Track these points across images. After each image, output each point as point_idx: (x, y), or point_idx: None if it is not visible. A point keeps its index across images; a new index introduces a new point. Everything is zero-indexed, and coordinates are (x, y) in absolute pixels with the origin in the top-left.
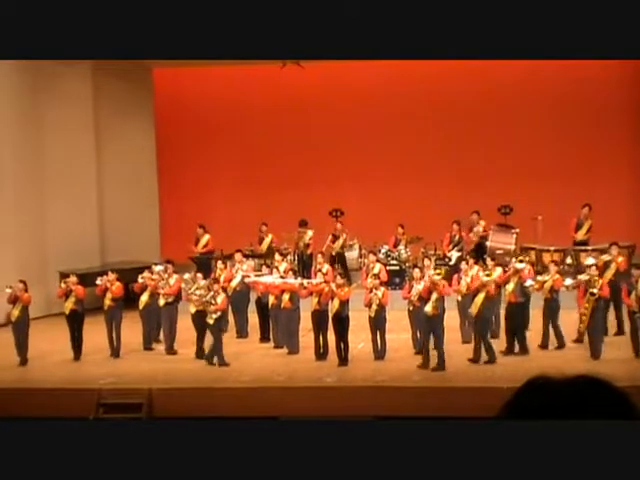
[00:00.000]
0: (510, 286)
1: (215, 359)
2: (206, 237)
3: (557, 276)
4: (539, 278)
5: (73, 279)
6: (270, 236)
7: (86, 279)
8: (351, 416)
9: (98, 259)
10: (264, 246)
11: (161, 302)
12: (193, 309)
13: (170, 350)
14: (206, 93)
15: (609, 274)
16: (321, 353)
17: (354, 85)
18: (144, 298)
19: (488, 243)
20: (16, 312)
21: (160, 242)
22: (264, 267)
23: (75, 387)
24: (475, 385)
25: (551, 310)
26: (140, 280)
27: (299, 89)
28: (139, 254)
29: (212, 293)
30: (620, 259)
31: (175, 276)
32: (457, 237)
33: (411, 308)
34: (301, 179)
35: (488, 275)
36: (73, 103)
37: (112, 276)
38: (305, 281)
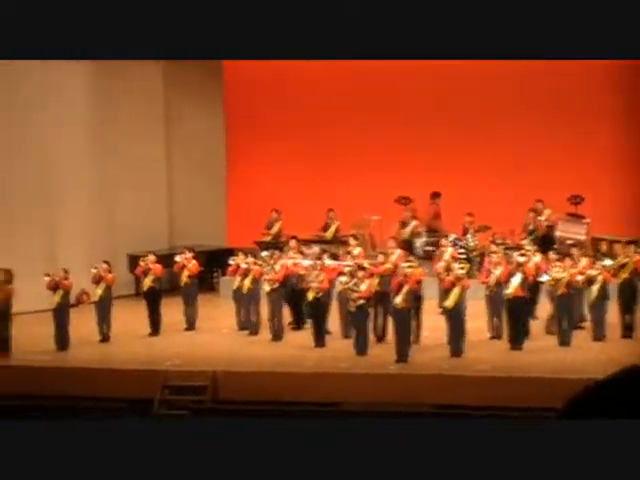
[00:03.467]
0: (516, 280)
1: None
2: (279, 222)
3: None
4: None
5: (152, 258)
6: (337, 223)
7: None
8: (412, 405)
9: (166, 243)
10: (330, 233)
11: (267, 288)
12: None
13: (277, 337)
14: (276, 79)
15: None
16: (380, 336)
17: (426, 77)
18: (247, 282)
19: (557, 233)
20: (99, 291)
21: (226, 226)
22: (326, 255)
23: (142, 368)
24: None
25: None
26: (232, 263)
27: (369, 78)
28: (206, 238)
29: (355, 280)
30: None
31: (281, 262)
32: (531, 225)
33: (488, 293)
34: (368, 166)
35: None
36: (144, 90)
37: (189, 254)
38: (366, 262)
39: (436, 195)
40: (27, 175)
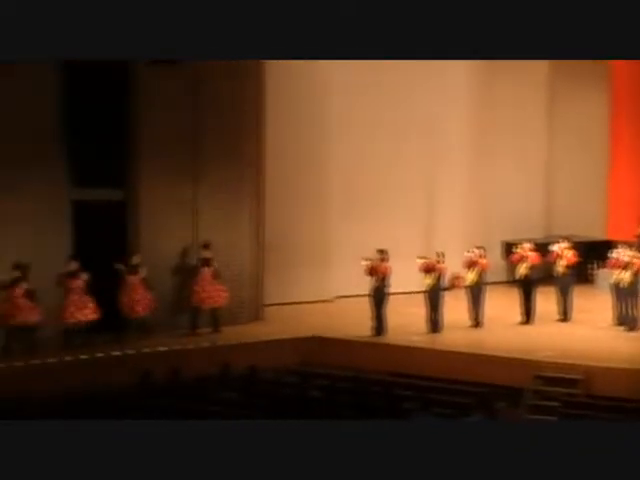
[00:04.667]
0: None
1: None
2: None
3: None
4: None
5: (527, 245)
6: None
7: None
8: None
9: (542, 231)
10: None
11: None
12: None
13: None
14: None
15: None
16: None
17: None
18: (626, 276)
19: None
20: (472, 276)
21: (607, 218)
22: None
23: (513, 356)
24: None
25: None
26: (612, 256)
27: None
28: (584, 229)
29: None
30: None
31: None
32: None
33: None
34: None
35: None
36: (527, 74)
37: (565, 244)
38: None
39: None
40: (410, 158)
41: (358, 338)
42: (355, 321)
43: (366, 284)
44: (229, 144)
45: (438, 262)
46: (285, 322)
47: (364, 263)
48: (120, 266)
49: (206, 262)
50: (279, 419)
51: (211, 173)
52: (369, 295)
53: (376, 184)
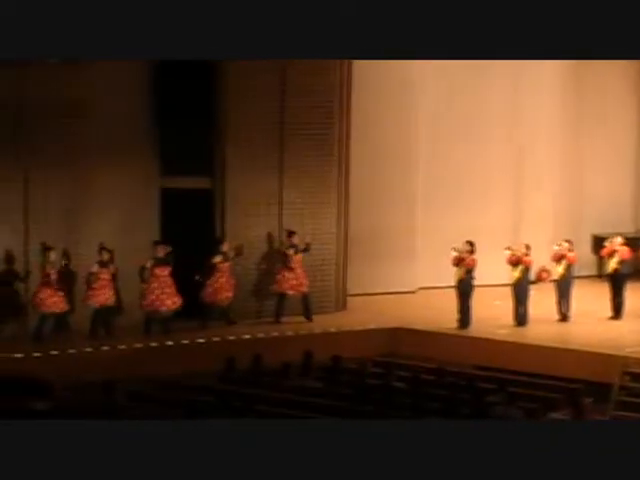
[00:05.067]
0: None
1: None
2: None
3: None
4: None
5: (618, 240)
6: None
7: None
8: None
9: (632, 225)
10: None
11: None
12: None
13: None
14: None
15: None
16: None
17: None
18: None
19: None
20: (560, 270)
21: None
22: None
23: (601, 352)
24: None
25: None
26: None
27: None
28: None
29: None
30: None
31: None
32: None
33: None
34: None
35: None
36: (616, 67)
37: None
38: None
39: None
40: (498, 149)
41: (442, 330)
42: (439, 313)
43: (449, 276)
44: (314, 135)
45: (526, 255)
46: (369, 313)
47: (453, 254)
48: (217, 258)
49: (294, 249)
50: (362, 409)
51: (297, 163)
52: (455, 287)
53: (462, 175)
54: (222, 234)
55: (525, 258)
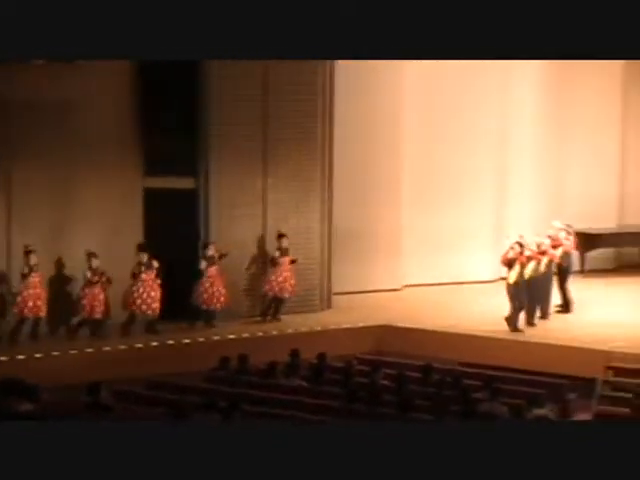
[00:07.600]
0: None
1: None
2: None
3: None
4: None
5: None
6: None
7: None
8: None
9: (614, 221)
10: None
11: None
12: None
13: None
14: None
15: None
16: None
17: None
18: None
19: None
20: (541, 267)
21: None
22: None
23: (585, 347)
24: None
25: None
26: None
27: None
28: None
29: None
30: None
31: None
32: None
33: None
34: None
35: None
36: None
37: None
38: None
39: None
40: (482, 147)
41: (428, 327)
42: (425, 310)
43: (435, 273)
44: (298, 135)
45: (521, 253)
46: (354, 310)
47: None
48: (203, 263)
49: (285, 252)
50: (348, 407)
51: (281, 163)
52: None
53: (447, 172)
54: (206, 235)
55: (521, 257)
